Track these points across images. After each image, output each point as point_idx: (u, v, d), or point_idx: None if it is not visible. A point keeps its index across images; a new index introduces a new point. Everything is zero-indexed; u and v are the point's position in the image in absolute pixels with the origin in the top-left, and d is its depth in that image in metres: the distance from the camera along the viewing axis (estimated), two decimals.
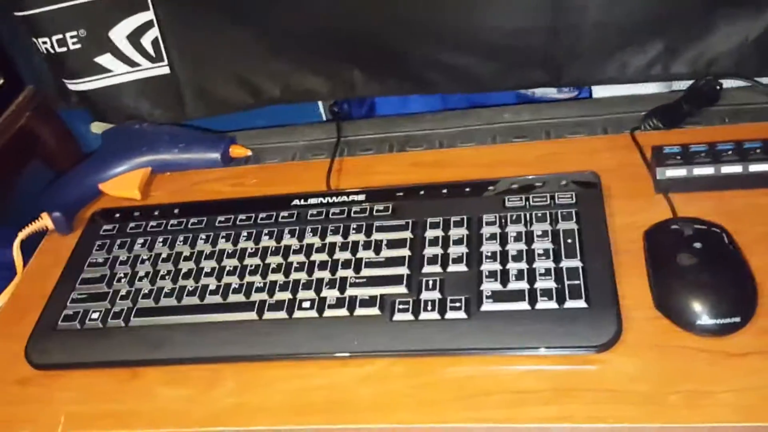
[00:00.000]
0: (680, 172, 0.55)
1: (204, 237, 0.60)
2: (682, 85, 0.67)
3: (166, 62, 0.75)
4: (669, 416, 0.44)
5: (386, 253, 0.56)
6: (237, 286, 0.56)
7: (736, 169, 0.54)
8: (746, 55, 0.64)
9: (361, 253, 0.56)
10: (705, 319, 0.46)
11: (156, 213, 0.64)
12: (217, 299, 0.55)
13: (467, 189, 0.60)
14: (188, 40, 0.74)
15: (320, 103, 0.81)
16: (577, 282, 0.50)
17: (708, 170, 0.54)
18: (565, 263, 0.52)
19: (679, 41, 0.65)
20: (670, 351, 0.47)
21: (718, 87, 0.65)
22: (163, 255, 0.60)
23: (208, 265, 0.58)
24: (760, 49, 0.64)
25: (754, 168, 0.54)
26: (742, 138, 0.56)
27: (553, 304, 0.50)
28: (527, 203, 0.57)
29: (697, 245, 0.49)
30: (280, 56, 0.74)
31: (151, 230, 0.62)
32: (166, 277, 0.58)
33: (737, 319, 0.46)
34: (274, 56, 0.74)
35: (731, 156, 0.54)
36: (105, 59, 0.74)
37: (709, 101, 0.64)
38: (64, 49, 0.72)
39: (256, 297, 0.55)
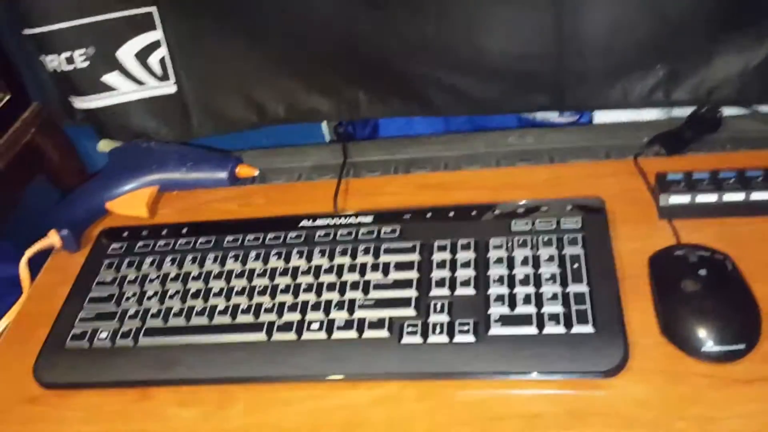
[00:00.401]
0: (684, 198, 0.56)
1: (212, 257, 0.61)
2: (682, 111, 0.69)
3: (173, 81, 0.75)
4: None
5: (394, 275, 0.56)
6: (246, 307, 0.56)
7: (739, 197, 0.55)
8: (747, 83, 0.65)
9: (369, 275, 0.57)
10: (710, 346, 0.47)
11: (164, 232, 0.65)
12: (226, 320, 0.56)
13: (474, 212, 0.60)
14: (195, 60, 0.74)
15: (324, 124, 0.82)
16: (584, 307, 0.51)
17: (711, 197, 0.55)
18: (572, 288, 0.52)
19: (680, 68, 0.66)
20: (676, 377, 0.47)
21: (718, 115, 0.66)
22: (172, 274, 0.60)
23: (216, 285, 0.58)
24: (760, 77, 0.65)
25: (756, 196, 0.55)
26: (743, 166, 0.57)
27: (560, 329, 0.50)
28: (533, 227, 0.57)
29: (702, 272, 0.50)
30: (286, 76, 0.74)
31: (160, 249, 0.63)
32: (175, 297, 0.58)
33: (742, 346, 0.47)
34: (280, 75, 0.74)
35: (734, 184, 0.55)
36: (112, 77, 0.74)
37: (710, 128, 0.66)
38: (72, 67, 0.73)
39: (264, 318, 0.55)
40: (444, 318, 0.53)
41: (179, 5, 0.71)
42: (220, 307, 0.56)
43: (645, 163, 0.63)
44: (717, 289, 0.50)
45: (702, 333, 0.47)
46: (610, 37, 0.65)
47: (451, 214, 0.61)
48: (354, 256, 0.58)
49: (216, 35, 0.73)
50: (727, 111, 0.67)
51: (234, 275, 0.59)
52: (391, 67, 0.72)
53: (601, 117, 0.75)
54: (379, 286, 0.56)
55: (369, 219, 0.62)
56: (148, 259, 0.62)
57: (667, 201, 0.56)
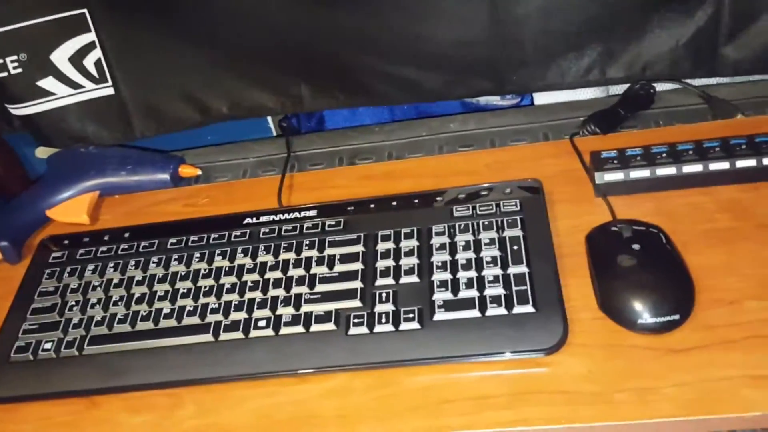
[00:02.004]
0: (618, 175, 0.57)
1: (156, 260, 0.60)
2: (619, 90, 0.70)
3: (110, 83, 0.74)
4: (618, 414, 0.46)
5: (339, 267, 0.57)
6: (191, 309, 0.56)
7: (671, 170, 0.56)
8: (678, 59, 0.67)
9: (315, 269, 0.57)
10: (646, 318, 0.48)
11: (106, 238, 0.64)
12: (171, 323, 0.55)
13: (416, 200, 0.61)
14: (132, 60, 0.73)
15: (269, 118, 0.81)
16: (524, 287, 0.52)
17: (644, 173, 0.57)
18: (513, 269, 0.53)
19: (614, 47, 0.67)
20: (615, 350, 0.49)
21: (652, 91, 0.67)
22: (115, 280, 0.59)
23: (161, 288, 0.58)
24: (690, 52, 0.66)
25: (687, 169, 0.56)
26: (675, 140, 0.58)
27: (502, 311, 0.51)
28: (474, 212, 0.58)
29: (636, 246, 0.51)
30: (227, 72, 0.74)
31: (102, 255, 0.62)
32: (119, 303, 0.58)
33: (676, 317, 0.48)
34: (221, 72, 0.74)
35: (665, 158, 0.57)
36: (47, 82, 0.73)
37: (643, 105, 0.67)
38: (5, 74, 0.71)
39: (211, 318, 0.55)
40: (389, 307, 0.53)
41: (112, 5, 0.69)
42: (166, 311, 0.56)
43: (581, 143, 0.64)
44: (651, 262, 0.51)
45: (638, 306, 0.49)
46: (545, 20, 0.66)
47: (394, 203, 0.61)
48: (299, 251, 0.58)
49: (153, 34, 0.72)
50: (660, 87, 0.68)
51: (178, 277, 0.58)
52: (333, 60, 0.72)
53: (542, 98, 0.76)
54: (324, 280, 0.56)
55: (313, 213, 0.62)
56: (90, 266, 0.61)
57: (602, 179, 0.58)
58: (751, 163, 0.55)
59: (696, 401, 0.45)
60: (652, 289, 0.49)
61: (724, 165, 0.56)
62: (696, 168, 0.56)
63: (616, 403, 0.46)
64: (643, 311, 0.48)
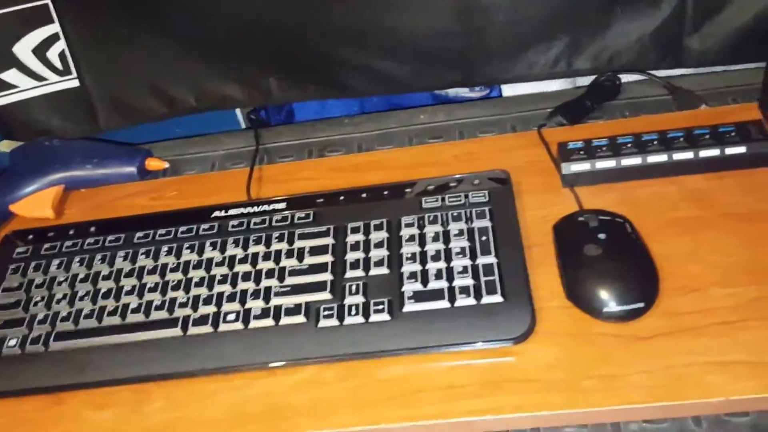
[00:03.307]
0: (584, 166, 0.58)
1: (123, 254, 0.59)
2: (586, 81, 0.70)
3: (75, 75, 0.73)
4: (586, 401, 0.46)
5: (309, 260, 0.56)
6: (159, 303, 0.55)
7: (636, 160, 0.57)
8: (643, 50, 0.68)
9: (284, 262, 0.56)
10: (612, 306, 0.49)
11: (71, 232, 0.63)
12: (139, 317, 0.55)
13: (386, 192, 0.61)
14: (97, 51, 0.72)
15: (238, 111, 0.81)
16: (492, 278, 0.52)
17: (610, 163, 0.57)
18: (481, 260, 0.53)
19: (581, 38, 0.68)
20: (582, 338, 0.49)
21: (617, 82, 0.68)
22: (81, 275, 0.59)
23: (128, 283, 0.57)
24: (656, 43, 0.67)
25: (652, 159, 0.57)
26: (640, 130, 0.59)
27: (471, 301, 0.51)
28: (443, 203, 0.58)
29: (602, 236, 0.52)
30: (194, 64, 0.73)
31: (67, 250, 0.61)
32: (85, 298, 0.57)
33: (641, 305, 0.49)
34: (188, 64, 0.73)
35: (630, 149, 0.57)
36: (10, 75, 0.72)
37: (609, 96, 0.68)
38: None
39: (179, 313, 0.54)
40: (359, 299, 0.53)
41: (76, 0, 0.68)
42: (133, 305, 0.56)
43: (548, 134, 0.64)
44: (617, 251, 0.51)
45: (604, 295, 0.49)
46: (513, 11, 0.66)
47: (364, 195, 0.61)
48: (268, 244, 0.58)
49: (118, 25, 0.71)
50: (625, 78, 0.69)
51: (146, 272, 0.58)
52: (302, 52, 0.72)
53: (510, 90, 0.76)
54: (294, 272, 0.56)
55: (282, 205, 0.62)
56: (56, 261, 0.60)
57: (569, 169, 0.58)
58: (714, 152, 0.56)
59: (661, 387, 0.46)
60: (618, 278, 0.50)
61: (688, 155, 0.57)
62: (660, 158, 0.57)
63: (583, 390, 0.47)
64: (608, 299, 0.49)
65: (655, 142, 0.57)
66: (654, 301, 0.49)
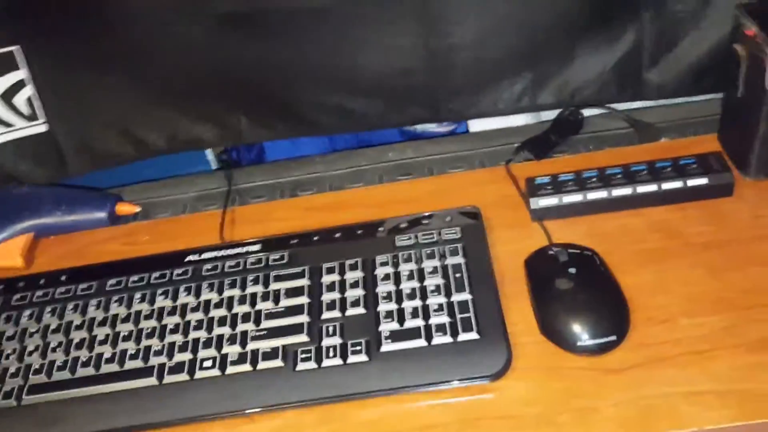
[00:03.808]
0: (552, 200, 0.59)
1: (95, 303, 0.59)
2: (551, 115, 0.72)
3: (43, 120, 0.72)
4: None
5: (285, 302, 0.57)
6: (134, 352, 0.55)
7: (602, 194, 0.59)
8: (605, 84, 0.70)
9: (260, 305, 0.56)
10: (584, 340, 0.50)
11: (42, 282, 0.62)
12: (113, 367, 0.54)
13: (359, 231, 0.61)
14: (65, 96, 0.72)
15: (209, 151, 0.81)
16: (468, 315, 0.53)
17: (577, 197, 0.59)
18: (456, 297, 0.54)
19: (544, 74, 0.70)
20: (557, 372, 0.50)
21: (580, 116, 0.70)
22: (53, 326, 0.58)
23: (101, 332, 0.57)
24: (616, 78, 0.69)
25: (616, 192, 0.59)
26: (604, 164, 0.61)
27: (447, 339, 0.52)
28: (416, 241, 0.59)
29: (572, 270, 0.53)
30: (163, 105, 0.73)
31: (38, 300, 0.60)
32: (58, 350, 0.56)
33: (613, 338, 0.50)
34: (157, 106, 0.73)
35: (596, 183, 0.59)
36: None
37: (573, 130, 0.70)
38: None
39: (154, 361, 0.54)
40: (337, 340, 0.53)
41: (44, 42, 0.68)
42: (107, 355, 0.55)
43: (516, 169, 0.66)
44: (587, 285, 0.53)
45: (576, 329, 0.50)
46: (477, 49, 0.68)
47: (338, 235, 0.62)
48: (243, 287, 0.58)
49: (86, 69, 0.70)
50: (588, 112, 0.71)
51: (119, 320, 0.57)
52: (271, 91, 0.72)
53: (477, 125, 0.78)
54: (270, 315, 0.56)
55: (256, 247, 0.62)
56: (27, 312, 0.59)
57: (537, 204, 0.59)
58: (677, 185, 0.58)
59: (635, 419, 0.47)
60: (589, 312, 0.51)
61: (652, 187, 0.58)
62: (625, 191, 0.58)
63: (559, 424, 0.47)
64: (581, 333, 0.50)
65: (619, 176, 0.59)
66: (625, 334, 0.51)
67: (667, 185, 0.58)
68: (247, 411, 0.51)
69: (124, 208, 0.71)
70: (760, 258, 0.54)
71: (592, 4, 0.65)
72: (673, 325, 0.51)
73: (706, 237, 0.56)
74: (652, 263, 0.55)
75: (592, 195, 0.59)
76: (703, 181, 0.58)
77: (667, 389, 0.48)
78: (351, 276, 0.57)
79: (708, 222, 0.57)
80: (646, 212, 0.59)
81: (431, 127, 0.81)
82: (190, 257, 0.62)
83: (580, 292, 0.52)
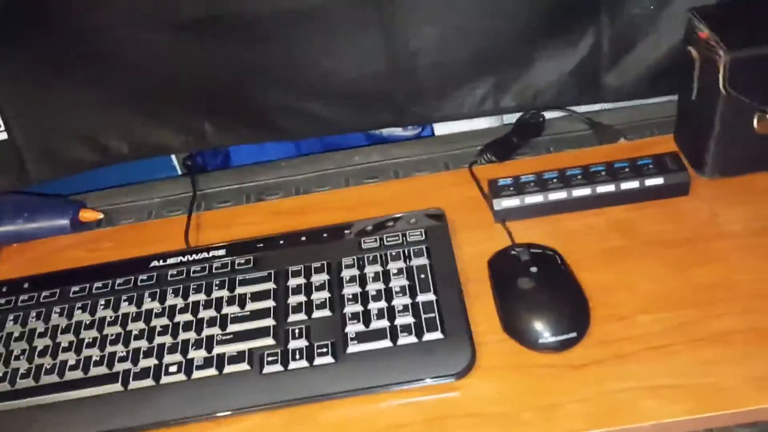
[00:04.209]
0: (514, 201, 0.60)
1: (58, 310, 0.58)
2: (513, 118, 0.73)
3: (2, 127, 0.71)
4: None
5: (251, 306, 0.57)
6: (98, 358, 0.54)
7: (562, 195, 0.60)
8: (565, 87, 0.71)
9: (226, 309, 0.56)
10: (546, 338, 0.51)
11: (4, 289, 0.61)
12: (77, 374, 0.54)
13: (325, 234, 0.62)
14: (25, 102, 0.71)
15: (174, 157, 0.80)
16: (432, 315, 0.53)
17: (538, 198, 0.60)
18: (421, 298, 0.55)
19: (505, 78, 0.71)
20: (520, 370, 0.51)
21: (541, 119, 0.71)
22: (16, 334, 0.57)
23: (65, 339, 0.56)
24: (576, 81, 0.71)
25: (576, 193, 0.60)
26: (565, 165, 0.62)
27: (413, 339, 0.52)
28: (382, 243, 0.59)
29: (534, 269, 0.54)
30: (126, 111, 0.73)
31: (0, 308, 0.59)
32: (21, 358, 0.55)
33: (574, 335, 0.51)
34: (120, 112, 0.73)
35: (556, 183, 0.60)
36: None
37: (535, 132, 0.71)
38: None
39: (119, 367, 0.54)
40: (303, 343, 0.53)
41: (3, 49, 0.67)
42: (71, 362, 0.54)
43: (479, 171, 0.66)
44: (548, 283, 0.54)
45: (538, 326, 0.51)
46: (439, 54, 0.69)
47: (304, 238, 0.62)
48: (209, 292, 0.58)
49: (47, 76, 0.70)
50: (549, 115, 0.72)
51: (83, 327, 0.57)
52: (235, 96, 0.72)
53: (442, 129, 0.79)
54: (236, 319, 0.56)
55: (222, 252, 0.62)
56: None
57: (500, 205, 0.60)
58: (634, 185, 0.60)
59: (597, 414, 0.48)
60: (550, 310, 0.52)
61: (610, 188, 0.60)
62: (585, 191, 0.60)
63: (523, 422, 0.48)
64: (543, 331, 0.51)
65: (579, 177, 0.60)
66: (586, 331, 0.52)
67: (625, 185, 0.59)
68: (214, 415, 0.51)
69: (87, 215, 0.70)
70: (715, 254, 0.55)
71: (551, 10, 0.66)
72: (632, 322, 0.52)
73: (664, 235, 0.58)
74: (611, 261, 0.56)
75: (553, 195, 0.60)
76: (659, 180, 0.59)
77: (627, 384, 0.49)
78: (317, 279, 0.58)
79: (665, 220, 0.59)
80: (606, 212, 0.60)
81: (397, 131, 0.82)
82: (155, 263, 0.61)
83: (541, 291, 0.53)
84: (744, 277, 0.54)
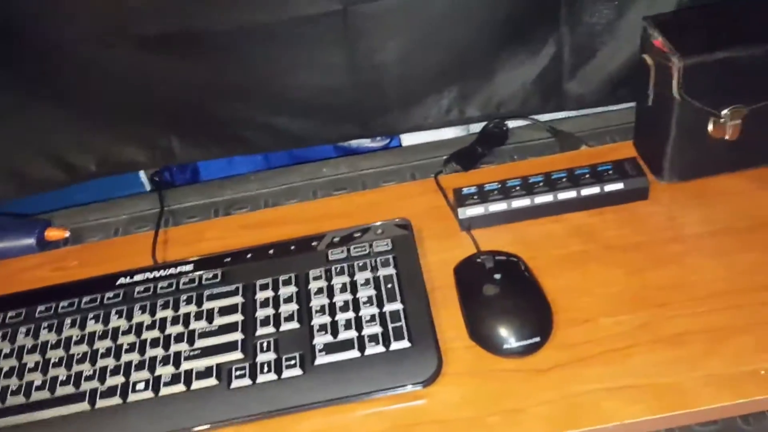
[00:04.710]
0: (478, 210, 0.61)
1: (24, 330, 0.58)
2: (479, 127, 0.74)
3: None
4: None
5: (219, 320, 0.57)
6: (65, 378, 0.54)
7: (525, 202, 0.61)
8: (527, 96, 0.72)
9: (194, 325, 0.56)
10: (510, 343, 0.52)
11: None
12: (44, 395, 0.53)
13: (293, 247, 0.62)
14: None
15: (142, 172, 0.80)
16: (399, 324, 0.54)
17: (502, 206, 0.61)
18: (388, 307, 0.55)
19: (469, 88, 0.72)
20: (486, 376, 0.52)
21: (505, 128, 0.73)
22: None
23: (31, 359, 0.56)
24: (538, 89, 0.72)
25: (539, 200, 0.61)
26: (527, 173, 0.63)
27: (380, 348, 0.53)
28: (349, 254, 0.60)
29: (498, 276, 0.55)
30: (92, 128, 0.73)
31: None
32: None
33: (537, 339, 0.52)
34: (86, 129, 0.72)
35: (519, 191, 0.61)
36: None
37: (499, 141, 0.72)
38: None
39: (86, 386, 0.53)
40: (271, 356, 0.54)
41: None
42: (37, 383, 0.54)
43: (445, 180, 0.67)
44: (512, 290, 0.54)
45: (502, 332, 0.52)
46: (403, 66, 0.69)
47: (272, 251, 0.62)
48: (176, 308, 0.58)
49: (10, 95, 0.69)
50: (512, 123, 0.74)
51: (49, 346, 0.56)
52: (202, 111, 0.73)
53: (409, 139, 0.79)
54: (204, 334, 0.56)
55: (189, 267, 0.62)
56: None
57: (464, 213, 0.61)
58: (594, 190, 0.61)
59: (561, 417, 0.48)
60: (514, 315, 0.53)
61: (572, 194, 0.61)
62: (547, 198, 0.61)
63: (489, 426, 0.49)
64: (507, 336, 0.52)
65: (541, 184, 0.61)
66: (549, 335, 0.52)
67: (586, 191, 0.61)
68: (183, 431, 0.51)
69: (53, 234, 0.70)
70: (673, 257, 0.57)
71: (512, 21, 0.68)
72: (594, 325, 0.53)
73: (624, 239, 0.59)
74: (573, 266, 0.57)
75: (516, 203, 0.61)
76: (619, 186, 0.61)
77: (590, 386, 0.50)
78: (285, 291, 0.58)
79: (625, 225, 0.60)
80: (568, 218, 0.61)
81: (365, 142, 0.83)
82: (122, 280, 0.61)
83: (505, 297, 0.54)
84: (699, 277, 0.55)
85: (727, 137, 0.59)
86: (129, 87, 0.70)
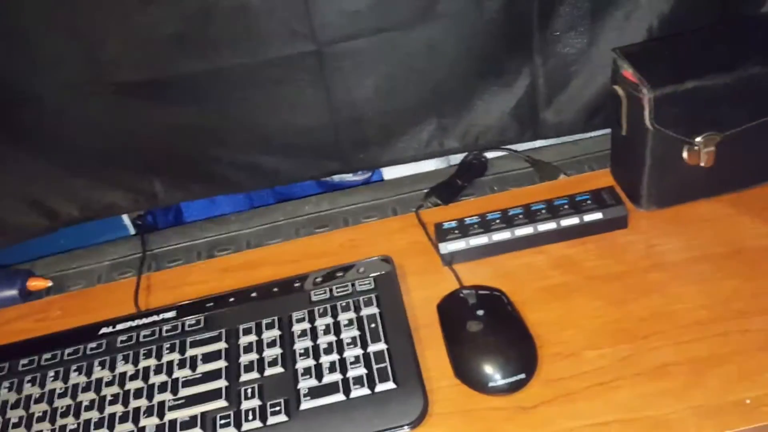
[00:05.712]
0: (460, 244, 0.61)
1: (7, 385, 0.57)
2: (459, 159, 0.75)
3: None
4: None
5: (202, 368, 0.56)
6: None
7: (506, 235, 0.61)
8: (505, 127, 0.73)
9: (177, 373, 0.56)
10: (496, 380, 0.51)
11: None
12: None
13: (275, 289, 0.62)
14: None
15: (125, 216, 0.80)
16: (384, 365, 0.54)
17: (482, 239, 0.61)
18: (372, 348, 0.55)
19: (448, 121, 0.72)
20: (472, 414, 0.51)
21: (483, 159, 0.73)
22: None
23: (14, 414, 0.55)
24: (515, 120, 0.72)
25: (519, 232, 0.61)
26: (507, 205, 0.63)
27: (365, 391, 0.53)
28: (331, 294, 0.60)
29: (481, 312, 0.55)
30: (74, 174, 0.72)
31: None
32: None
33: (522, 376, 0.52)
34: (67, 175, 0.72)
35: (500, 224, 0.61)
36: None
37: (478, 173, 0.72)
38: None
39: None
40: (256, 402, 0.53)
41: None
42: None
43: (426, 215, 0.68)
44: (495, 326, 0.54)
45: (487, 370, 0.52)
46: (380, 102, 0.70)
47: (254, 294, 0.62)
48: (159, 356, 0.57)
49: None
50: (491, 155, 0.74)
51: (32, 401, 0.56)
52: (182, 153, 0.73)
53: (391, 172, 0.80)
54: (188, 383, 0.55)
55: (171, 314, 0.61)
56: None
57: (446, 248, 0.61)
58: (574, 221, 0.61)
59: None
60: (499, 352, 0.53)
61: (551, 225, 0.61)
62: (527, 230, 0.61)
63: None
64: (492, 374, 0.52)
65: (521, 216, 0.62)
66: (534, 371, 0.52)
67: (565, 222, 0.61)
68: None
69: (35, 284, 0.69)
70: (654, 286, 0.57)
71: (486, 53, 0.68)
72: (578, 359, 0.53)
73: (605, 269, 0.59)
74: (555, 299, 0.57)
75: (497, 236, 0.61)
76: (598, 215, 0.61)
77: (576, 423, 0.49)
78: (268, 335, 0.58)
79: (606, 255, 0.60)
80: (548, 249, 0.62)
81: (348, 177, 0.83)
82: (104, 329, 0.61)
83: (489, 334, 0.54)
84: (680, 306, 0.55)
85: (702, 164, 0.59)
86: (109, 132, 0.70)
